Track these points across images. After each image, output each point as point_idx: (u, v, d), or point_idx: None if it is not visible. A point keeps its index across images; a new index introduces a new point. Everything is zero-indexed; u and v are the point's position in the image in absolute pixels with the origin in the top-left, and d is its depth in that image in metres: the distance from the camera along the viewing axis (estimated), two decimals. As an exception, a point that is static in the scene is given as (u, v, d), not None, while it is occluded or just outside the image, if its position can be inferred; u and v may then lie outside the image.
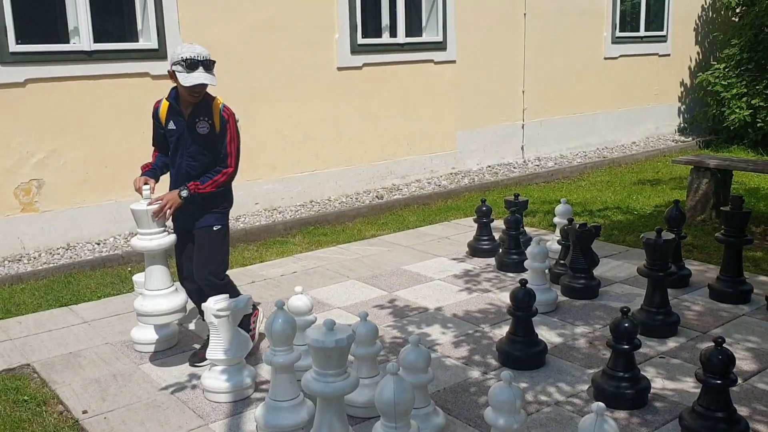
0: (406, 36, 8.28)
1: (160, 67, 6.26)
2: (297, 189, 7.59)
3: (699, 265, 5.41)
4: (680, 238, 4.98)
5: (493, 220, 5.91)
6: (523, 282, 3.83)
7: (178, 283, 4.01)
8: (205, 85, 3.65)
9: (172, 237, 3.86)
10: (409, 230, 6.79)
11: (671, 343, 4.06)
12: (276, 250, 6.20)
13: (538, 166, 9.53)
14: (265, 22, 7.14)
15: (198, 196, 3.74)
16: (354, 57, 7.78)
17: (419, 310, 4.69)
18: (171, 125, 3.80)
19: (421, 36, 8.55)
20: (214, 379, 3.50)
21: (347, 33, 7.68)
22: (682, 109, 11.92)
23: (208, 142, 3.79)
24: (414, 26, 8.54)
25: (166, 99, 3.80)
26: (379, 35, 8.19)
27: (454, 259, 5.78)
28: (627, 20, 10.95)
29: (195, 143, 3.78)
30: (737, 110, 10.41)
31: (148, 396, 3.59)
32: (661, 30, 11.29)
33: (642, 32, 10.99)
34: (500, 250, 5.56)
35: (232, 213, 7.05)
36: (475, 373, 3.75)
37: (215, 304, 3.48)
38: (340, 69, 7.71)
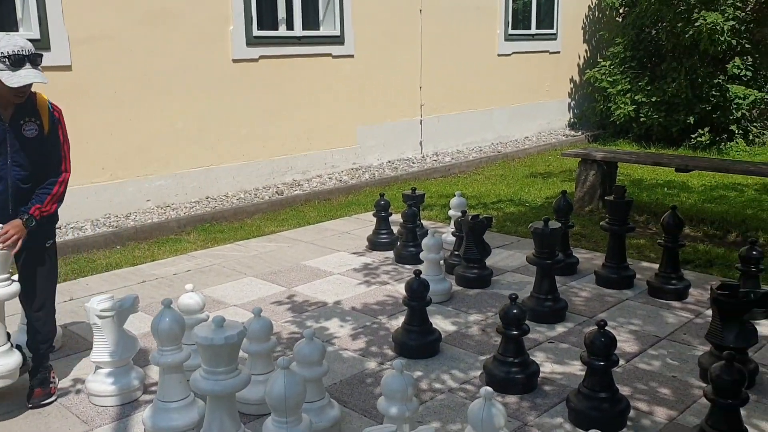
0: (303, 29, 8.21)
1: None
2: (191, 185, 7.38)
3: (586, 252, 5.65)
4: (568, 227, 5.18)
5: (391, 214, 5.95)
6: (417, 273, 3.88)
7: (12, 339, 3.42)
8: (31, 85, 3.20)
9: (16, 286, 3.30)
10: (310, 226, 6.74)
11: (560, 328, 4.21)
12: (169, 248, 6.00)
13: (435, 161, 9.68)
14: (157, 11, 6.90)
15: (44, 219, 3.30)
16: (250, 49, 7.64)
17: (318, 304, 4.66)
18: None
19: (318, 29, 8.50)
20: (99, 382, 3.34)
21: (242, 24, 7.53)
22: (572, 104, 12.41)
23: (37, 147, 3.28)
24: (311, 19, 8.47)
25: None
26: (276, 28, 8.08)
27: (354, 254, 5.79)
28: (519, 18, 11.29)
29: (22, 149, 3.23)
30: (622, 105, 10.94)
31: (28, 404, 3.39)
32: (552, 28, 11.71)
33: (533, 30, 11.37)
34: (398, 243, 5.61)
35: (121, 210, 6.84)
36: (371, 364, 3.76)
37: (99, 303, 3.32)
38: (235, 61, 7.55)
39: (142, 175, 6.96)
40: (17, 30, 6.18)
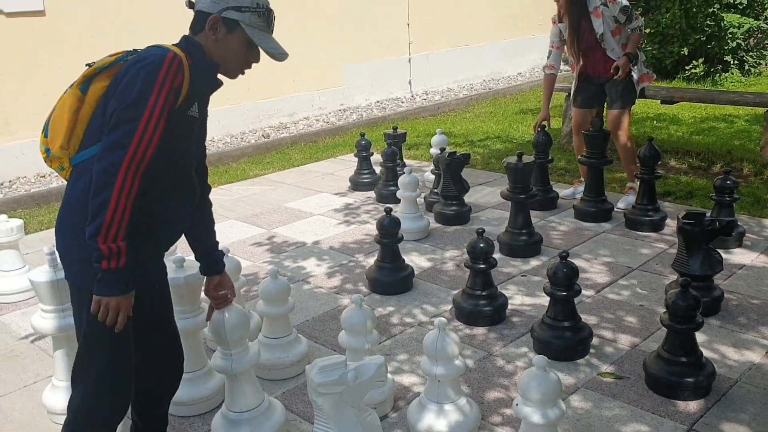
0: (285, -32, 8.03)
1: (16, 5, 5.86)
2: (177, 130, 7.36)
3: (567, 187, 5.64)
4: (547, 161, 5.17)
5: (372, 154, 5.94)
6: (388, 210, 3.90)
7: None
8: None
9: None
10: (294, 168, 6.74)
11: (534, 262, 4.25)
12: (154, 194, 6.03)
13: (425, 100, 9.60)
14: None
15: None
16: (229, -9, 7.49)
17: (297, 244, 4.71)
18: (194, 110, 2.14)
19: (300, -32, 8.32)
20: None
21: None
22: (641, 19, 12.17)
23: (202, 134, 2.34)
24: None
25: (188, 62, 2.04)
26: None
27: (336, 194, 5.81)
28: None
29: (200, 146, 2.34)
30: (615, 39, 10.74)
31: (6, 346, 3.48)
32: (544, -40, 11.41)
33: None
34: (379, 183, 5.62)
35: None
36: (345, 301, 3.82)
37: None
38: (215, 4, 7.42)
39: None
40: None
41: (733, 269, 4.02)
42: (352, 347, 2.73)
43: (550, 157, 5.21)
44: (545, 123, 5.15)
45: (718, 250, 3.57)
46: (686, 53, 10.31)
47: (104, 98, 2.04)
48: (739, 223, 4.45)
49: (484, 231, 3.52)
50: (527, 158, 4.33)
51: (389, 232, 3.86)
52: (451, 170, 4.86)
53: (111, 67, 2.07)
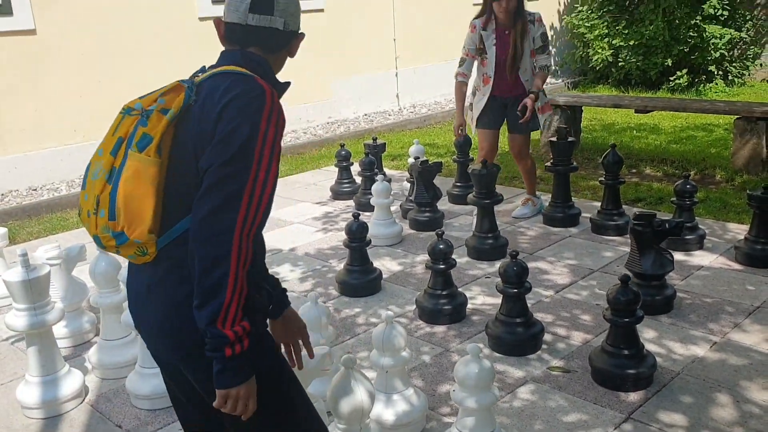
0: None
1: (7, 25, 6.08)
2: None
3: (543, 195, 5.79)
4: (468, 161, 5.64)
5: (353, 164, 6.10)
6: (356, 215, 4.05)
7: None
8: None
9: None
10: (280, 179, 6.87)
11: (499, 264, 4.37)
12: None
13: (412, 112, 9.78)
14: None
15: None
16: (216, 7, 7.71)
17: (273, 251, 4.85)
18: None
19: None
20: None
21: (208, -17, 7.61)
22: (552, 52, 12.38)
23: None
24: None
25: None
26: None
27: (317, 203, 5.96)
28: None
29: None
30: (600, 51, 10.95)
31: (-14, 348, 3.63)
32: (530, -25, 11.62)
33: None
34: (358, 192, 5.78)
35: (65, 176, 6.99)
36: (313, 304, 3.96)
37: (46, 252, 3.52)
38: (201, 19, 7.63)
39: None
40: (-20, -4, 6.29)
41: (692, 270, 4.16)
42: (308, 342, 2.87)
43: (471, 157, 5.70)
44: (462, 128, 5.29)
45: (671, 251, 3.72)
46: (670, 64, 10.48)
47: (185, 153, 1.64)
48: (700, 226, 4.60)
49: (443, 233, 3.67)
50: (491, 166, 4.49)
51: (357, 236, 4.01)
52: (424, 178, 5.01)
53: (179, 113, 1.65)
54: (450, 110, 9.77)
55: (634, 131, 8.19)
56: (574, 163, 5.03)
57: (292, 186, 6.58)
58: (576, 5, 11.78)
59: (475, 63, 5.03)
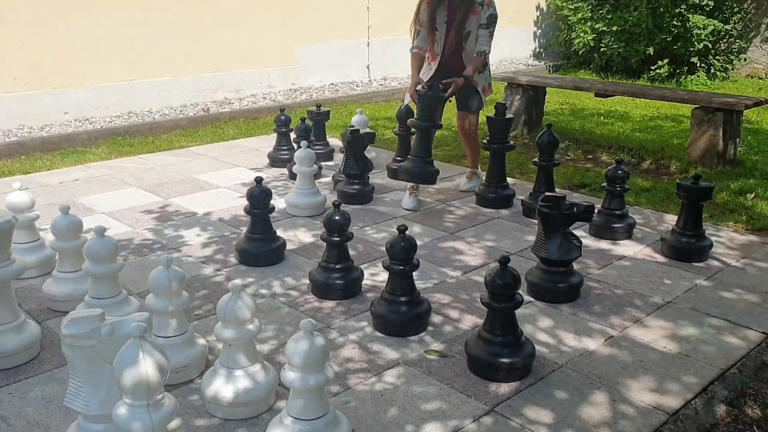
0: (236, -58, 7.95)
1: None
2: (112, 99, 7.28)
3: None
4: (409, 134, 5.31)
5: (292, 130, 5.86)
6: (259, 179, 3.82)
7: None
8: None
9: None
10: (223, 142, 6.67)
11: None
12: (71, 160, 5.96)
13: (382, 85, 9.51)
14: None
15: None
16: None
17: (187, 215, 4.63)
18: None
19: (255, -57, 8.23)
20: None
21: (166, -66, 7.30)
22: (538, 33, 12.09)
23: None
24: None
25: None
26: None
27: (252, 169, 5.73)
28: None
29: None
30: (582, 34, 10.66)
31: None
32: (517, -48, 11.29)
33: (496, -47, 10.96)
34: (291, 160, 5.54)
35: (36, 122, 6.73)
36: (207, 271, 3.75)
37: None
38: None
39: (59, 87, 6.87)
40: None
41: (612, 259, 3.94)
42: (156, 308, 2.66)
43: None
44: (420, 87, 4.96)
45: (579, 237, 3.50)
46: (652, 53, 10.20)
47: None
48: (632, 215, 4.38)
49: (340, 204, 3.45)
50: (437, 87, 4.49)
51: (259, 202, 3.79)
52: (353, 148, 4.78)
53: None
54: (420, 85, 9.51)
55: (602, 117, 7.94)
56: (512, 142, 4.79)
57: (233, 150, 6.35)
58: (561, -15, 11.46)
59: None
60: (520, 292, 2.77)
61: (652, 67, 10.28)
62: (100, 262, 2.96)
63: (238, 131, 7.11)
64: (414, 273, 3.15)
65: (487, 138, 4.78)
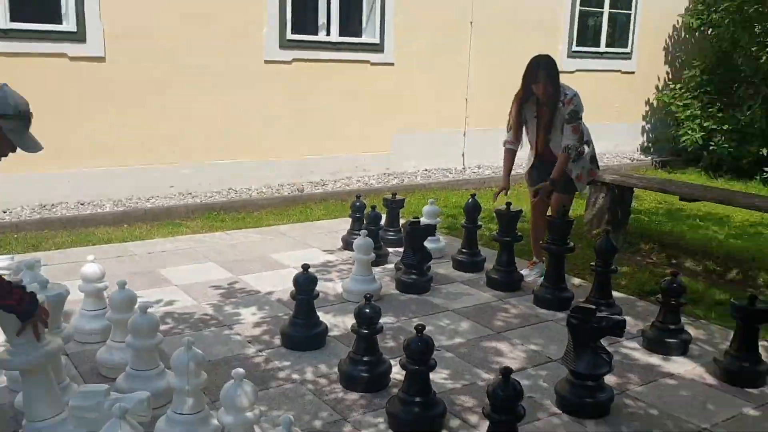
0: (342, 35, 8.49)
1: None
2: (216, 176, 7.84)
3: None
4: (476, 227, 5.57)
5: (367, 216, 6.08)
6: (305, 266, 4.01)
7: None
8: None
9: None
10: (307, 222, 6.98)
11: (458, 339, 4.18)
12: (165, 231, 6.46)
13: (475, 173, 9.64)
14: (194, 12, 7.42)
15: None
16: (282, 51, 8.02)
17: (250, 293, 4.88)
18: None
19: (360, 36, 8.75)
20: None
21: (276, 27, 7.93)
22: (646, 128, 11.87)
23: None
24: (353, 27, 8.74)
25: None
26: (316, 33, 8.41)
27: (325, 251, 5.97)
28: (588, 36, 10.98)
29: None
30: (690, 132, 10.38)
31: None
32: (626, 47, 11.28)
33: (603, 48, 11.01)
34: (362, 245, 5.73)
35: (145, 194, 7.39)
36: (250, 351, 3.94)
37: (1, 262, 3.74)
38: (267, 62, 7.96)
39: (167, 163, 7.51)
40: (60, 23, 6.87)
41: (658, 377, 3.78)
42: (175, 386, 2.85)
43: (479, 224, 5.67)
44: (505, 192, 5.40)
45: (610, 351, 3.41)
46: (765, 154, 9.75)
47: None
48: (689, 329, 4.19)
49: (372, 297, 3.56)
50: (515, 208, 5.06)
51: (304, 288, 3.97)
52: (411, 239, 4.91)
53: None
54: (515, 174, 9.53)
55: (698, 219, 7.65)
56: (571, 244, 4.75)
57: (313, 231, 6.63)
58: (668, 83, 11.26)
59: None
60: (522, 404, 2.74)
61: (765, 169, 9.80)
62: (140, 336, 3.22)
63: (326, 212, 7.43)
64: (446, 371, 3.17)
65: (547, 239, 4.77)
